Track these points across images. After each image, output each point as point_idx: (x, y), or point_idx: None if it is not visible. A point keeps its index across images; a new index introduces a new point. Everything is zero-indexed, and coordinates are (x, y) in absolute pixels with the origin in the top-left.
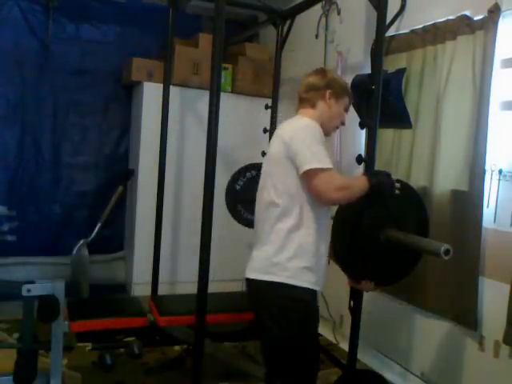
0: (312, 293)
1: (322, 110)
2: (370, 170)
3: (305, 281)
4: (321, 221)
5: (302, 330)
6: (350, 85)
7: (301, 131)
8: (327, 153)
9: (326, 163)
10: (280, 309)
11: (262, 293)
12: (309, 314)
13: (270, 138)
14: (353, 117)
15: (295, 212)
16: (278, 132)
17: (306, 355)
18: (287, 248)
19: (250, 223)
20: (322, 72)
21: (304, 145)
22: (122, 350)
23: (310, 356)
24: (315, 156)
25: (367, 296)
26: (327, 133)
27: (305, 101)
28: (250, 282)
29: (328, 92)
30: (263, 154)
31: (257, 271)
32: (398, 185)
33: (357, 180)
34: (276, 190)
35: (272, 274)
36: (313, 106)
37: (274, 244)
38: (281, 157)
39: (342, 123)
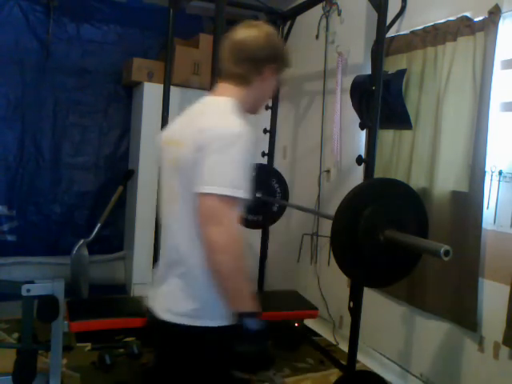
0: None
1: (255, 90)
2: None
3: None
4: None
5: None
6: (351, 86)
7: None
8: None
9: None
10: None
11: None
12: None
13: (270, 139)
14: (353, 117)
15: None
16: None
17: None
18: None
19: (250, 223)
20: (261, 34)
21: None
22: (122, 350)
23: None
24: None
25: (367, 297)
26: (256, 113)
27: (234, 76)
28: None
29: (269, 68)
30: (263, 154)
31: None
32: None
33: (248, 286)
34: None
35: None
36: (246, 83)
37: None
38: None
39: (272, 97)
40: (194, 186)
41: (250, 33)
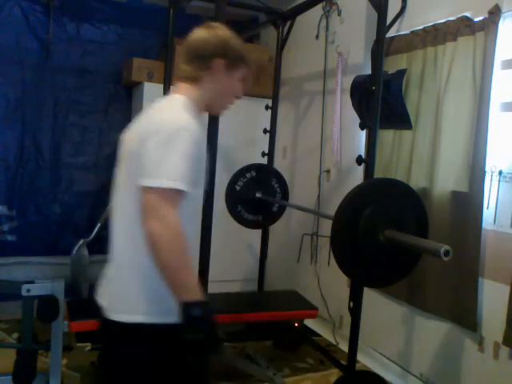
0: None
1: (208, 87)
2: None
3: None
4: None
5: None
6: (351, 86)
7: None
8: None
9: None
10: None
11: None
12: None
13: (270, 139)
14: (353, 117)
15: None
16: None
17: None
18: None
19: (250, 223)
20: (210, 32)
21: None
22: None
23: None
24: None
25: (367, 297)
26: (217, 113)
27: (185, 75)
28: None
29: (217, 62)
30: (263, 154)
31: None
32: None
33: (193, 277)
34: None
35: None
36: (195, 81)
37: None
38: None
39: (237, 98)
40: (137, 180)
41: (200, 33)
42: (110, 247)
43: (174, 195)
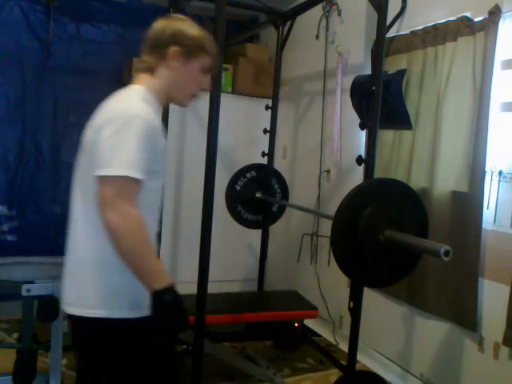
0: None
1: (164, 76)
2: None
3: None
4: None
5: None
6: (351, 86)
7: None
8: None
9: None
10: None
11: None
12: None
13: (270, 139)
14: (353, 117)
15: None
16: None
17: None
18: None
19: (250, 223)
20: (167, 21)
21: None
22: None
23: None
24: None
25: (367, 297)
26: (181, 104)
27: (144, 65)
28: None
29: (172, 50)
30: (263, 154)
31: None
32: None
33: (159, 263)
34: None
35: None
36: (152, 70)
37: None
38: None
39: (202, 89)
40: (93, 170)
41: (158, 24)
42: (67, 240)
43: (129, 184)
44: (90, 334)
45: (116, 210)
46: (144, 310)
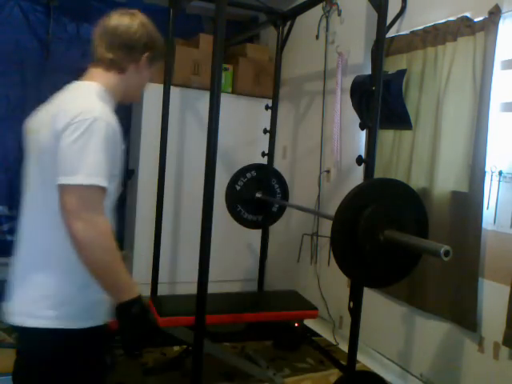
0: None
1: (131, 78)
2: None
3: None
4: None
5: None
6: (351, 86)
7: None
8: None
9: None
10: None
11: None
12: None
13: (270, 139)
14: (353, 117)
15: None
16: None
17: None
18: None
19: (250, 223)
20: (136, 21)
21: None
22: (122, 350)
23: None
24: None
25: (367, 297)
26: (131, 102)
27: (106, 62)
28: None
29: (145, 56)
30: (263, 154)
31: None
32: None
33: (126, 274)
34: None
35: None
36: (120, 70)
37: None
38: None
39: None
40: (55, 177)
41: (124, 20)
42: (17, 247)
43: (96, 192)
44: (38, 346)
45: (82, 220)
46: (96, 319)
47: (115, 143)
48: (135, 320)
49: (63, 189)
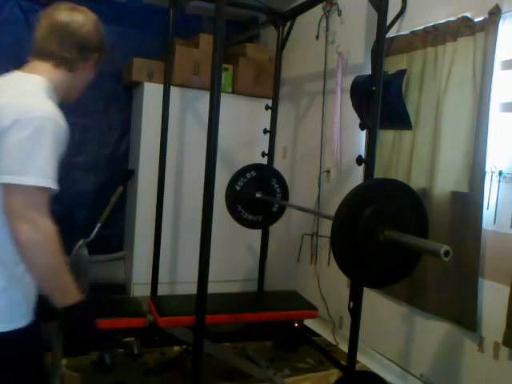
0: None
1: (79, 77)
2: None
3: None
4: None
5: None
6: (351, 86)
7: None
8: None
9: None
10: None
11: None
12: None
13: (270, 139)
14: (353, 117)
15: None
16: None
17: None
18: None
19: (250, 223)
20: (89, 20)
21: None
22: (122, 350)
23: None
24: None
25: (367, 297)
26: (71, 100)
27: (56, 58)
28: None
29: (95, 56)
30: (263, 154)
31: None
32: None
33: (70, 277)
34: None
35: None
36: (70, 68)
37: None
38: None
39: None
40: None
41: (77, 17)
42: None
43: (43, 193)
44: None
45: (28, 221)
46: (16, 322)
47: (62, 144)
48: (78, 323)
49: (9, 188)
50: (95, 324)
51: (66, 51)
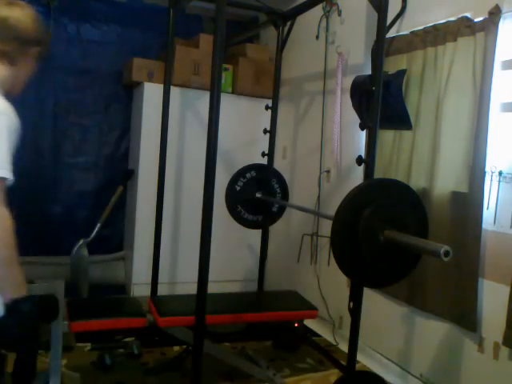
0: None
1: (20, 71)
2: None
3: None
4: None
5: None
6: (351, 86)
7: None
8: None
9: None
10: None
11: None
12: None
13: (270, 139)
14: (353, 117)
15: None
16: None
17: None
18: None
19: (250, 223)
20: (28, 14)
21: None
22: (122, 350)
23: None
24: None
25: (367, 297)
26: (14, 94)
27: (0, 54)
28: None
29: (36, 50)
30: (263, 154)
31: None
32: None
33: (21, 272)
34: None
35: None
36: (11, 62)
37: None
38: None
39: None
40: None
41: (14, 11)
42: None
43: (0, 184)
44: None
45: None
46: None
47: (15, 137)
48: (25, 317)
49: None
50: (40, 320)
51: (7, 45)
